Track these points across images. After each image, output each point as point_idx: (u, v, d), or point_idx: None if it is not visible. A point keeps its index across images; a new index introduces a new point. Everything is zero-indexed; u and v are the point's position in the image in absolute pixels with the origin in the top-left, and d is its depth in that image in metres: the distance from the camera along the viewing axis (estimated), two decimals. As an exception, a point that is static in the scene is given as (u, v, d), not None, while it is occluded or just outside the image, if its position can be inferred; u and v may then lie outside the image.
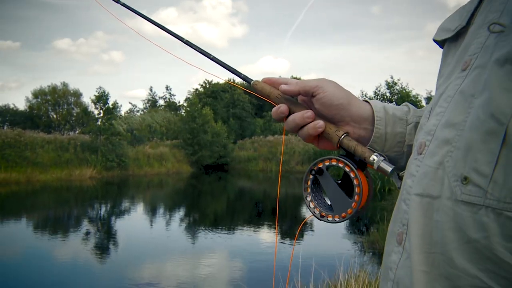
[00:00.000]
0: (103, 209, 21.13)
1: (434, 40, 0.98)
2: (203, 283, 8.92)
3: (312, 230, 14.92)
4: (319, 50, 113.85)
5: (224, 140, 43.25)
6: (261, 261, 10.58)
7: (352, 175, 1.01)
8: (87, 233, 14.60)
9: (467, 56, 0.79)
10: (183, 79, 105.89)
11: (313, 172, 1.05)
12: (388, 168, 0.98)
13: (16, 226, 16.61)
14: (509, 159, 0.61)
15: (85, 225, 16.52)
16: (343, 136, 1.04)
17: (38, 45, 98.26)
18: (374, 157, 1.00)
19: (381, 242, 11.21)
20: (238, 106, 53.18)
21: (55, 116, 43.21)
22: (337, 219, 1.04)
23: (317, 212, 1.07)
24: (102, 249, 12.33)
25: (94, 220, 17.61)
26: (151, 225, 16.27)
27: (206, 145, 41.16)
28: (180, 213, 19.55)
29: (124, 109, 71.49)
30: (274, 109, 1.11)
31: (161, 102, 61.32)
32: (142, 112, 56.93)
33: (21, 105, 64.68)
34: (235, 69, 1.20)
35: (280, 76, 1.22)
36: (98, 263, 10.78)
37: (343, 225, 16.93)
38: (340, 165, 1.03)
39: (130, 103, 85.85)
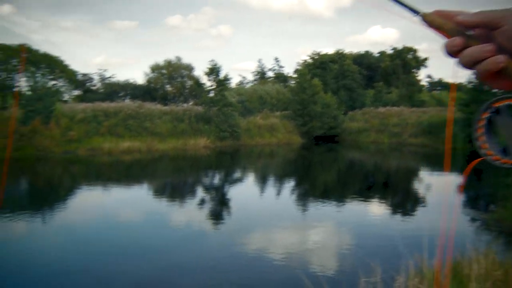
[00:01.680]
0: (217, 177, 21.77)
1: None
2: (311, 255, 8.74)
3: (424, 206, 14.11)
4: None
5: (334, 111, 42.57)
6: (370, 234, 10.22)
7: None
8: (201, 200, 15.04)
9: None
10: (291, 51, 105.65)
11: (490, 111, 0.92)
12: None
13: (138, 191, 17.64)
14: None
15: (199, 192, 17.09)
16: None
17: (152, 23, 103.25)
18: None
19: (509, 221, 10.35)
20: (347, 77, 51.96)
21: (170, 88, 45.26)
22: (510, 164, 0.89)
23: (488, 155, 0.93)
24: (214, 216, 12.61)
25: (208, 188, 18.14)
26: (262, 194, 16.39)
27: (316, 116, 40.83)
28: (290, 183, 19.50)
29: (234, 81, 73.11)
30: (447, 41, 0.94)
31: (270, 74, 61.72)
32: (251, 84, 57.70)
33: (140, 80, 68.55)
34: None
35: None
36: (210, 230, 11.03)
37: (458, 201, 15.90)
38: None
39: (239, 75, 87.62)
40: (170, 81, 45.44)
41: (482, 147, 0.95)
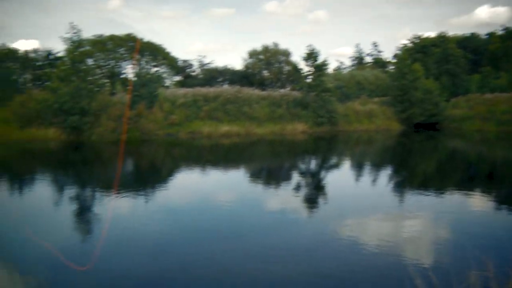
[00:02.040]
0: (313, 162, 21.43)
1: None
2: (405, 245, 8.17)
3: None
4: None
5: (436, 97, 40.33)
6: (476, 226, 9.41)
7: None
8: (297, 185, 14.84)
9: None
10: (390, 35, 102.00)
11: None
12: None
13: (235, 174, 17.79)
14: None
15: (295, 177, 16.88)
16: None
17: (249, 9, 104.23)
18: None
19: None
20: (451, 61, 49.03)
21: (267, 74, 45.43)
22: None
23: None
24: (309, 200, 12.38)
25: (304, 173, 17.90)
26: (357, 181, 15.81)
27: (416, 102, 39.03)
28: (387, 171, 18.62)
29: (331, 67, 71.99)
30: None
31: (368, 59, 60.02)
32: (349, 70, 56.48)
33: (238, 65, 69.46)
34: None
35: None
36: (304, 214, 10.80)
37: None
38: None
39: (337, 60, 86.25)
40: (268, 66, 45.57)
41: None
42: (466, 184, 15.12)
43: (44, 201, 12.13)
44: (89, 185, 15.24)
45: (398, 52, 51.97)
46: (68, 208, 11.39)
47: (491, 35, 54.30)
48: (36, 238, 7.81)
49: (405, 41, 60.33)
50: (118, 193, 12.06)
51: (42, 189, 13.92)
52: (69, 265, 6.57)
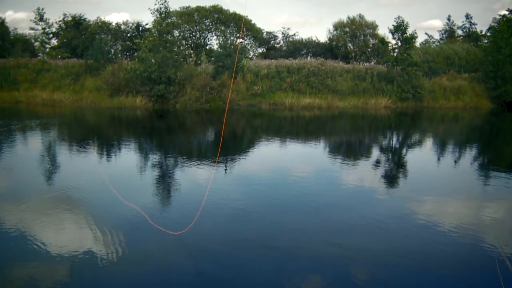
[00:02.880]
0: (395, 139, 21.04)
1: None
2: (486, 230, 7.90)
3: None
4: None
5: (535, 74, 37.74)
6: None
7: None
8: (376, 161, 14.71)
9: None
10: (486, 6, 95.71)
11: None
12: None
13: (315, 147, 17.91)
14: None
15: (374, 153, 16.69)
16: None
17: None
18: None
19: None
20: (556, 35, 45.57)
21: (352, 47, 44.57)
22: None
23: None
24: (386, 178, 12.26)
25: (384, 149, 17.65)
26: (439, 160, 15.31)
27: (511, 79, 36.72)
28: (473, 151, 17.73)
29: (419, 40, 69.10)
30: None
31: (460, 32, 56.94)
32: (438, 44, 54.02)
33: (322, 38, 68.49)
34: None
35: None
36: (381, 191, 10.73)
37: None
38: None
39: (426, 33, 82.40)
40: (353, 39, 44.67)
41: None
42: None
43: (137, 167, 13.00)
44: (179, 153, 16.03)
45: (494, 24, 48.94)
46: (157, 173, 12.13)
47: None
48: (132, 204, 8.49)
49: (504, 12, 56.65)
50: (214, 161, 12.66)
51: (132, 155, 14.88)
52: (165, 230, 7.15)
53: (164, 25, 30.90)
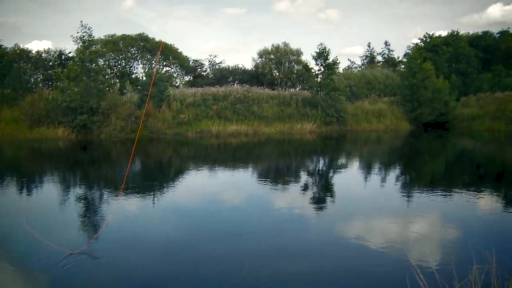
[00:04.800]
0: (321, 162, 21.51)
1: None
2: (412, 246, 8.22)
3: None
4: None
5: (446, 96, 40.15)
6: (479, 228, 9.46)
7: None
8: (304, 184, 14.91)
9: None
10: (402, 34, 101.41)
11: None
12: None
13: (243, 173, 17.95)
14: None
15: (303, 177, 16.95)
16: None
17: (261, 9, 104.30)
18: None
19: None
20: (462, 60, 48.85)
21: (277, 73, 45.47)
22: None
23: None
24: (316, 200, 12.42)
25: (311, 172, 17.96)
26: (365, 181, 15.79)
27: (426, 101, 38.88)
28: (395, 171, 18.51)
29: (342, 66, 71.70)
30: None
31: (379, 58, 59.84)
32: (360, 69, 56.34)
33: (248, 65, 69.58)
34: None
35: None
36: (311, 214, 10.84)
37: None
38: None
39: (348, 59, 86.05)
40: (278, 66, 45.60)
41: None
42: (474, 183, 14.94)
43: (48, 200, 12.43)
44: (95, 184, 15.53)
45: (409, 51, 51.80)
46: (73, 207, 11.64)
47: (503, 33, 53.75)
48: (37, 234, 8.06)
49: (416, 40, 60.08)
50: (125, 192, 12.29)
51: (46, 188, 14.23)
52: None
53: (87, 53, 30.16)
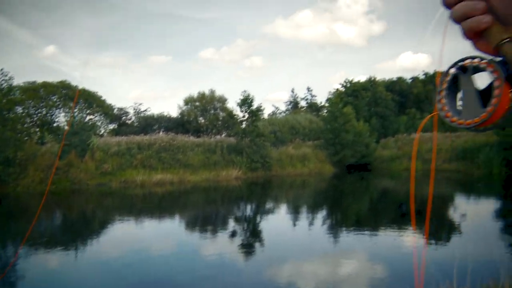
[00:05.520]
0: (248, 208, 21.80)
1: None
2: (342, 285, 8.62)
3: (461, 233, 13.81)
4: (462, 42, 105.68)
5: (367, 139, 42.23)
6: (404, 264, 10.00)
7: (496, 83, 0.87)
8: (233, 231, 15.09)
9: None
10: (324, 80, 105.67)
11: (457, 67, 0.94)
12: None
13: (170, 222, 17.85)
14: None
15: (231, 224, 17.13)
16: (506, 40, 0.87)
17: (186, 56, 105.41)
18: None
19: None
20: (380, 104, 51.72)
21: (203, 121, 45.88)
22: (460, 124, 0.93)
23: (443, 111, 0.97)
24: (246, 247, 12.62)
25: (239, 219, 18.17)
26: (293, 225, 16.25)
27: (348, 144, 40.56)
28: (322, 213, 19.26)
29: (267, 112, 73.48)
30: None
31: (303, 103, 61.98)
32: (284, 114, 57.99)
33: (174, 112, 69.74)
34: None
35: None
36: (241, 261, 11.03)
37: (497, 226, 15.43)
38: (489, 69, 0.89)
39: (272, 105, 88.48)
40: (203, 113, 46.06)
41: (440, 101, 0.98)
42: (397, 221, 15.71)
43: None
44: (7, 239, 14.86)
45: (330, 96, 54.11)
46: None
47: (414, 79, 57.75)
48: None
49: (338, 85, 62.88)
50: (30, 247, 11.85)
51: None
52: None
53: (4, 101, 29.06)
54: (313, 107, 59.06)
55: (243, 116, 37.99)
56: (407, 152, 41.67)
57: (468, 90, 0.93)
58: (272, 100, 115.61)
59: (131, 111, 49.50)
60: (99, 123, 44.01)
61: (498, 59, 0.90)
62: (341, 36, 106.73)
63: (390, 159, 42.29)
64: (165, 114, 47.94)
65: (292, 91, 69.40)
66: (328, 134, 41.07)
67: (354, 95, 52.25)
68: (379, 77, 58.08)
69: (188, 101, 46.55)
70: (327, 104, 50.50)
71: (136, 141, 34.40)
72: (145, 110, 49.41)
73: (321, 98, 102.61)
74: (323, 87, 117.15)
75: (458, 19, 0.93)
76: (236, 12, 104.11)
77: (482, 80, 0.92)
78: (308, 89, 62.66)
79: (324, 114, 48.74)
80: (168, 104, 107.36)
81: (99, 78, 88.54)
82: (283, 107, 67.67)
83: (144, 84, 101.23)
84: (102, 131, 44.38)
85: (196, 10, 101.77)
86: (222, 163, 35.13)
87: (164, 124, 46.48)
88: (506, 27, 0.89)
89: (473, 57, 0.93)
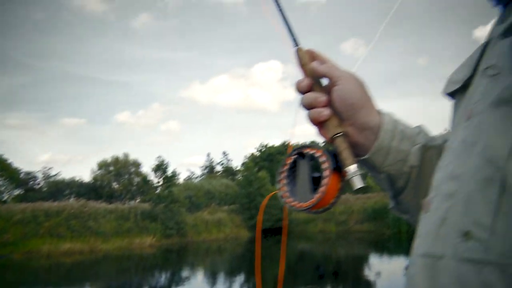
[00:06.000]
0: (163, 277, 21.20)
1: (445, 94, 0.93)
2: None
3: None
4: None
5: (281, 203, 42.91)
6: None
7: (325, 173, 0.98)
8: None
9: (471, 105, 0.75)
10: (240, 144, 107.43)
11: (295, 153, 1.04)
12: (358, 184, 0.96)
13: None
14: (511, 207, 0.55)
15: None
16: (338, 135, 1.00)
17: (102, 119, 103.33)
18: (351, 168, 0.96)
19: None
20: (294, 168, 53.18)
21: (117, 186, 44.72)
22: (292, 206, 1.02)
23: (281, 191, 1.05)
24: None
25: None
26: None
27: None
28: (239, 279, 19.12)
29: (182, 176, 72.96)
30: (298, 80, 1.07)
31: (219, 167, 62.28)
32: (200, 179, 57.85)
33: (87, 177, 67.51)
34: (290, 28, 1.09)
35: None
36: None
37: None
38: (322, 159, 0.99)
39: (188, 170, 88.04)
40: (117, 178, 45.01)
41: (280, 182, 1.05)
42: (315, 283, 15.97)
43: None
44: None
45: (246, 160, 54.94)
46: None
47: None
48: None
49: (253, 150, 64.14)
50: None
51: None
52: None
53: None
54: (229, 171, 59.52)
55: (158, 182, 37.56)
56: (322, 214, 42.68)
57: (303, 175, 1.02)
58: (188, 164, 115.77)
59: (40, 176, 47.37)
60: (2, 189, 41.58)
61: (332, 150, 1.03)
62: (256, 102, 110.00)
63: (305, 222, 43.03)
64: (77, 178, 46.39)
65: (208, 156, 69.70)
66: (243, 198, 41.34)
67: (269, 159, 53.39)
68: (294, 141, 59.88)
69: (102, 165, 45.45)
70: (242, 169, 51.21)
71: (44, 208, 32.69)
72: (56, 175, 47.53)
73: (237, 162, 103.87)
74: (239, 151, 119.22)
75: (305, 107, 1.06)
76: (153, 75, 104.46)
77: (317, 167, 1.10)
78: (224, 153, 63.31)
79: (240, 178, 49.27)
80: (81, 168, 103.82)
81: (6, 140, 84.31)
82: (199, 172, 67.61)
83: (56, 147, 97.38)
84: (6, 197, 41.86)
85: (112, 72, 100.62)
86: (135, 230, 34.08)
87: (75, 190, 44.78)
88: (341, 121, 1.03)
89: (311, 146, 1.03)
